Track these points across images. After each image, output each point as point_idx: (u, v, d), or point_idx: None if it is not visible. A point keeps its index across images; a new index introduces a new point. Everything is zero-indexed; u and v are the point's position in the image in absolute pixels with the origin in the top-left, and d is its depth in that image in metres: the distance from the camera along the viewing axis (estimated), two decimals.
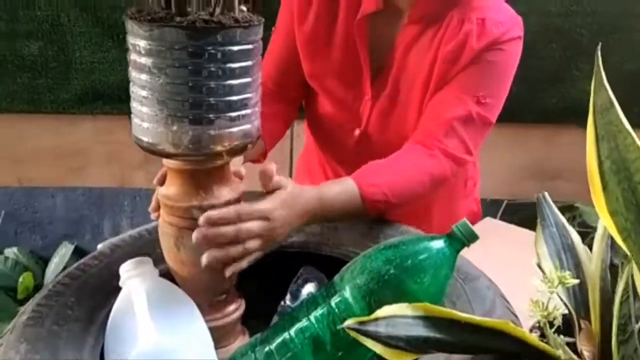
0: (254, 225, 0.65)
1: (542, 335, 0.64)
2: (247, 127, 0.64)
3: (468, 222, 0.64)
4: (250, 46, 0.61)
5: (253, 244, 0.65)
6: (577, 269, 0.68)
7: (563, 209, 1.63)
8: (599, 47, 0.52)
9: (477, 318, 0.54)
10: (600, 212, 0.53)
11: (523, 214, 1.65)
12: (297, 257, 0.82)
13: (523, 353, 0.57)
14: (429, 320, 0.53)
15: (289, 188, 0.70)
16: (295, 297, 0.76)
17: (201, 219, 0.63)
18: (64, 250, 2.09)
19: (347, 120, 1.02)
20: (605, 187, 0.52)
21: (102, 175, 1.65)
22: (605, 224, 0.52)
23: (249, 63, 0.61)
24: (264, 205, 0.67)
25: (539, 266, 0.64)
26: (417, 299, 0.62)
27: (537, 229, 0.70)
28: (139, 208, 2.08)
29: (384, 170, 0.86)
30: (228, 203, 0.66)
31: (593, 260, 0.65)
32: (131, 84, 0.63)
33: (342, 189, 0.80)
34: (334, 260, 0.79)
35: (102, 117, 1.60)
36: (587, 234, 0.74)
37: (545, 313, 0.58)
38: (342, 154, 1.07)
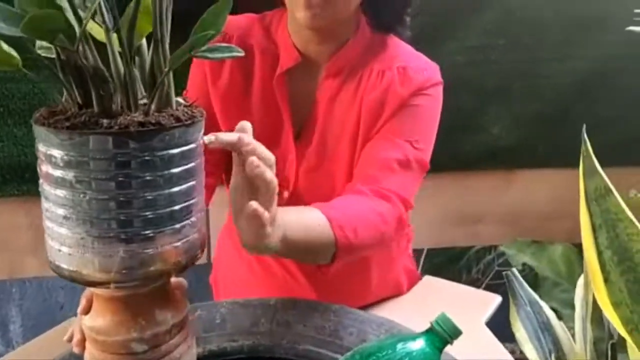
0: None
1: None
2: (193, 237, 0.54)
3: (448, 315, 0.58)
4: (193, 145, 0.51)
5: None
6: (556, 347, 0.65)
7: (483, 251, 1.65)
8: (584, 130, 0.49)
9: None
10: (602, 304, 0.49)
11: (439, 260, 1.66)
12: None
13: None
14: None
15: None
16: None
17: None
18: None
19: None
20: (607, 279, 0.48)
21: None
22: (608, 315, 0.49)
23: (192, 164, 0.52)
24: None
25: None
26: None
27: (511, 309, 0.67)
28: (29, 296, 1.83)
29: (343, 209, 0.79)
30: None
31: (577, 341, 0.62)
32: (43, 199, 0.51)
33: (306, 210, 0.75)
34: None
35: None
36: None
37: None
38: None
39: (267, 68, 0.91)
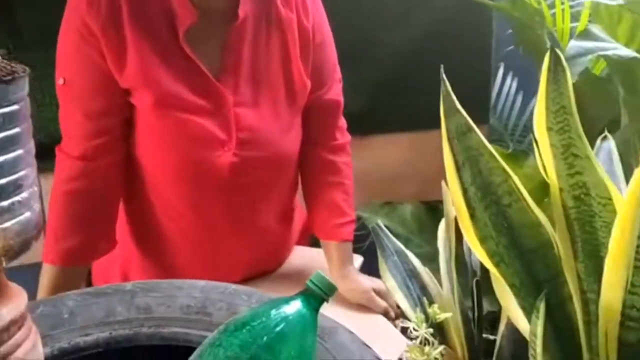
0: None
1: None
2: (26, 217, 0.45)
3: (322, 273, 0.56)
4: (16, 107, 0.43)
5: None
6: (424, 292, 0.66)
7: None
8: (442, 70, 0.49)
9: None
10: (470, 242, 0.50)
11: None
12: (105, 358, 0.64)
13: None
14: None
15: None
16: None
17: None
18: None
19: (216, 140, 0.89)
20: (472, 215, 0.49)
21: None
22: (476, 251, 0.50)
23: (16, 130, 0.43)
24: None
25: (399, 307, 0.61)
26: None
27: (380, 261, 0.67)
28: None
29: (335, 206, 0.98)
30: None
31: (444, 284, 0.63)
32: None
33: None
34: (159, 350, 0.64)
35: None
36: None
37: (425, 357, 0.54)
38: (213, 190, 0.91)
39: (172, 29, 0.86)
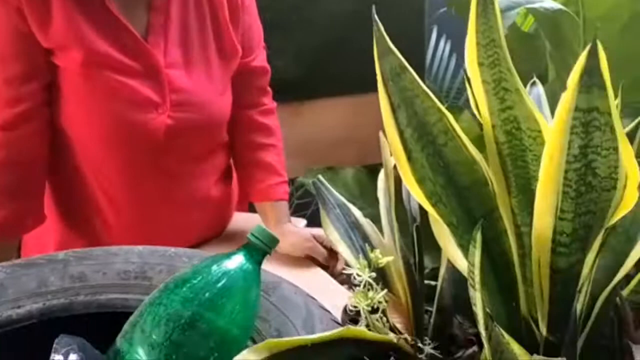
0: None
1: (354, 322, 0.61)
2: None
3: (263, 226, 0.56)
4: None
5: None
6: (366, 242, 0.67)
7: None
8: (374, 11, 0.49)
9: (322, 335, 0.46)
10: (408, 184, 0.50)
11: None
12: (40, 329, 0.61)
13: (363, 352, 0.52)
14: (277, 359, 0.43)
15: None
16: None
17: None
18: None
19: (149, 102, 0.87)
20: (409, 157, 0.49)
21: None
22: (414, 193, 0.50)
23: None
24: None
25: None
26: (232, 334, 0.52)
27: (322, 215, 0.67)
28: None
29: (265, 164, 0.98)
30: None
31: (385, 233, 0.64)
32: None
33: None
34: (98, 318, 0.62)
35: None
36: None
37: (369, 301, 0.55)
38: (147, 155, 0.89)
39: None
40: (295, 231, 0.96)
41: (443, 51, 1.66)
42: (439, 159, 0.49)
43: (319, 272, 0.91)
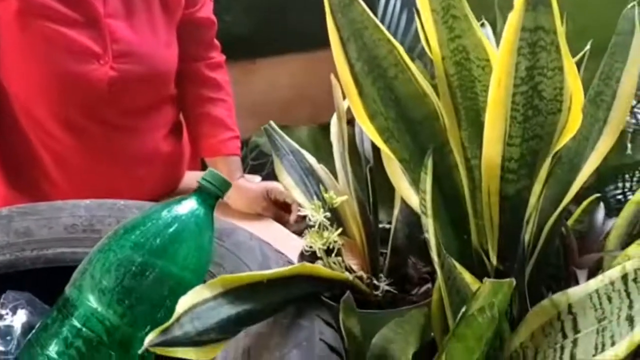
0: None
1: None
2: None
3: (215, 170, 0.54)
4: None
5: None
6: (320, 187, 0.67)
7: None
8: None
9: (278, 271, 0.46)
10: (360, 120, 0.50)
11: None
12: None
13: (319, 289, 0.53)
14: (232, 294, 0.43)
15: None
16: (5, 336, 0.55)
17: None
18: None
19: (89, 53, 0.84)
20: (361, 92, 0.49)
21: None
22: (366, 129, 0.50)
23: None
24: None
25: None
26: (185, 279, 0.51)
27: (275, 160, 0.66)
28: None
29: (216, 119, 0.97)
30: None
31: (340, 178, 0.64)
32: None
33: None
34: (46, 273, 0.60)
35: None
36: None
37: (324, 241, 0.55)
38: (91, 108, 0.86)
39: None
40: (249, 187, 0.95)
41: (394, 8, 1.65)
42: (390, 92, 0.49)
43: (273, 224, 0.90)
